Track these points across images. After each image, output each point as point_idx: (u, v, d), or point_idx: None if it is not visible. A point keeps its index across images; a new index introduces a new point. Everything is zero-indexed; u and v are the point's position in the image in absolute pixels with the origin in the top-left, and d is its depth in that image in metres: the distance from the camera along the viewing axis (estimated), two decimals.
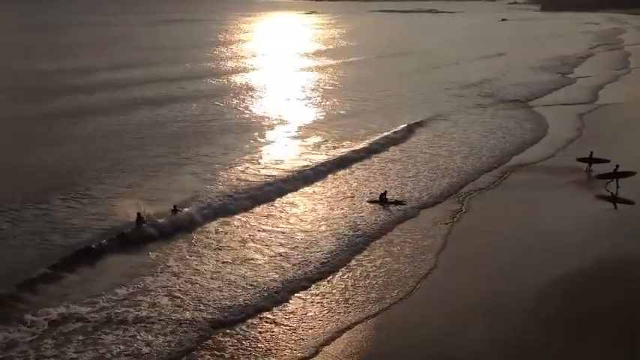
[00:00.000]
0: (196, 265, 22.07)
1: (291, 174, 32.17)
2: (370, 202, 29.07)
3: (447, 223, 26.90)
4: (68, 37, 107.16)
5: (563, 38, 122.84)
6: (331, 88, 61.37)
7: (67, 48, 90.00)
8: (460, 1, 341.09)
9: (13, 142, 37.86)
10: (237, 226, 25.87)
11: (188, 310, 18.95)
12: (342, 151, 36.51)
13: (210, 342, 17.55)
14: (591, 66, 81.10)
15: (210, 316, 18.60)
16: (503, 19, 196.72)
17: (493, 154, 37.03)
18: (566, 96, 57.78)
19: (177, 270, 21.72)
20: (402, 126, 43.35)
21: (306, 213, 27.67)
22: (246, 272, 21.57)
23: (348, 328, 18.55)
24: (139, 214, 26.05)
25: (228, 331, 18.08)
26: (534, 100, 55.41)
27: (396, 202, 28.82)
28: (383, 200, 28.79)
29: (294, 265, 22.36)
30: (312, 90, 60.21)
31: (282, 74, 71.68)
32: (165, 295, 19.80)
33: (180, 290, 20.23)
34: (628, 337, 18.23)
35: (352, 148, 37.31)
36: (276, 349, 17.45)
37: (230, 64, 78.92)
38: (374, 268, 22.53)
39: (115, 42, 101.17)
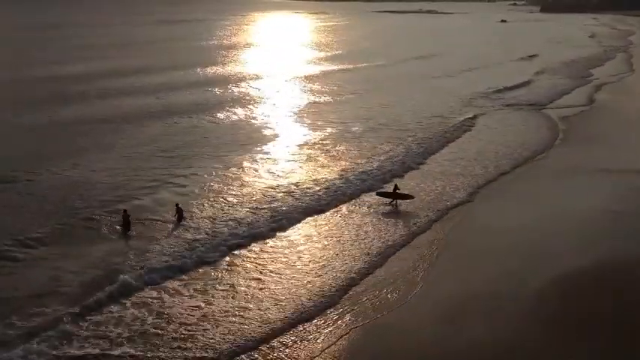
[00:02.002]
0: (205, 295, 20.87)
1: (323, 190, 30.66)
2: (379, 194, 29.58)
3: (447, 223, 27.06)
4: (68, 39, 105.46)
5: (575, 40, 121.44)
6: (361, 92, 59.89)
7: (67, 51, 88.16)
8: (460, 2, 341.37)
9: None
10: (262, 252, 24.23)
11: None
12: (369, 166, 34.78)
13: None
14: (615, 67, 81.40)
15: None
16: (502, 20, 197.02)
17: (502, 158, 37.23)
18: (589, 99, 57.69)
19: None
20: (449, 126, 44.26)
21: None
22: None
23: (348, 331, 18.54)
24: (125, 210, 25.89)
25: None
26: (554, 102, 55.52)
27: (405, 196, 29.14)
28: (394, 193, 29.08)
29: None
30: (349, 95, 58.58)
31: (315, 80, 67.91)
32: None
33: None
34: (628, 337, 18.21)
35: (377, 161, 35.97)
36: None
37: (253, 68, 75.87)
38: (373, 268, 22.62)
39: (121, 45, 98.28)
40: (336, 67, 77.81)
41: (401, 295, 20.71)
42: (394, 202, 29.06)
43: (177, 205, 26.91)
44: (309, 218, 27.32)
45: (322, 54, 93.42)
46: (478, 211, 28.90)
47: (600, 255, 23.59)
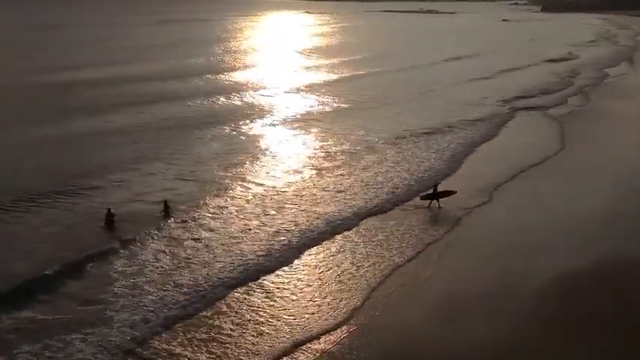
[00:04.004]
0: None
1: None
2: (422, 197, 29.44)
3: (449, 223, 27.10)
4: (76, 41, 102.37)
5: (585, 40, 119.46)
6: (394, 97, 57.40)
7: (76, 54, 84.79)
8: (460, 2, 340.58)
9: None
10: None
11: None
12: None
13: None
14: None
15: None
16: (504, 20, 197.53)
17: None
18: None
19: None
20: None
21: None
22: None
23: (348, 332, 18.58)
24: (109, 209, 25.82)
25: None
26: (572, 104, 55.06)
27: (448, 193, 29.23)
28: (436, 193, 29.11)
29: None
30: (381, 100, 56.01)
31: (343, 84, 64.49)
32: None
33: None
34: (628, 337, 18.22)
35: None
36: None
37: (276, 74, 71.98)
38: (372, 267, 22.70)
39: (132, 48, 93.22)
40: (363, 72, 73.38)
41: (402, 295, 20.72)
42: (434, 201, 29.02)
43: (165, 202, 27.00)
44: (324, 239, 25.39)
45: (344, 58, 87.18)
46: (484, 212, 28.84)
47: (600, 255, 23.59)
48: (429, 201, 29.13)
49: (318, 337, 18.29)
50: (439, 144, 39.80)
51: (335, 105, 53.52)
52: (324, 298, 20.52)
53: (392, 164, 35.38)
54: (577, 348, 17.65)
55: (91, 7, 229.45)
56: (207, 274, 21.52)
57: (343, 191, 30.51)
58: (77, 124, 43.48)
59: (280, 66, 79.62)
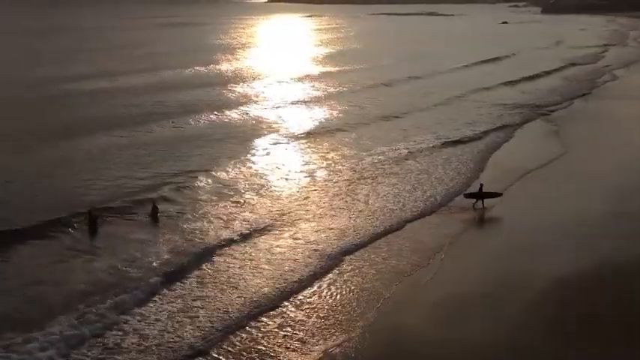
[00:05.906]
0: None
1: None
2: (466, 195, 29.37)
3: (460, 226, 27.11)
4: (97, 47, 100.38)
5: (603, 44, 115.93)
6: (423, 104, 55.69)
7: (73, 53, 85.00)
8: (458, 4, 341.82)
9: None
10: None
11: None
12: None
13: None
14: None
15: None
16: (504, 22, 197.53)
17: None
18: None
19: None
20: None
21: None
22: None
23: (349, 331, 18.51)
24: (89, 211, 24.87)
25: None
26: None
27: (493, 194, 29.12)
28: (481, 193, 28.98)
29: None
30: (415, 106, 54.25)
31: (380, 91, 62.85)
32: None
33: None
34: (628, 337, 18.09)
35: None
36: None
37: (303, 82, 69.02)
38: (370, 269, 22.59)
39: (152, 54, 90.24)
40: (395, 78, 70.59)
41: (403, 295, 20.64)
42: (479, 202, 28.90)
43: (153, 204, 26.52)
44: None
45: (363, 65, 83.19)
46: (493, 214, 28.80)
47: (601, 255, 23.49)
48: (474, 200, 28.96)
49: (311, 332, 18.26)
50: (455, 152, 39.04)
51: (354, 115, 51.09)
52: (338, 307, 20.08)
53: (417, 174, 34.40)
54: (577, 348, 17.51)
55: (88, 9, 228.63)
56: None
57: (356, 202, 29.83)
58: (81, 138, 40.26)
59: (306, 73, 75.51)
